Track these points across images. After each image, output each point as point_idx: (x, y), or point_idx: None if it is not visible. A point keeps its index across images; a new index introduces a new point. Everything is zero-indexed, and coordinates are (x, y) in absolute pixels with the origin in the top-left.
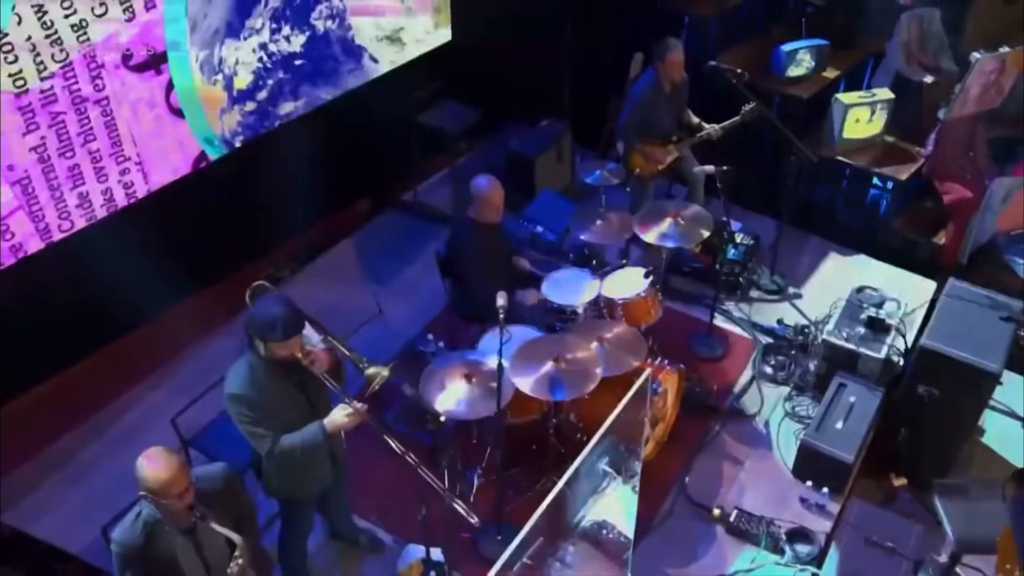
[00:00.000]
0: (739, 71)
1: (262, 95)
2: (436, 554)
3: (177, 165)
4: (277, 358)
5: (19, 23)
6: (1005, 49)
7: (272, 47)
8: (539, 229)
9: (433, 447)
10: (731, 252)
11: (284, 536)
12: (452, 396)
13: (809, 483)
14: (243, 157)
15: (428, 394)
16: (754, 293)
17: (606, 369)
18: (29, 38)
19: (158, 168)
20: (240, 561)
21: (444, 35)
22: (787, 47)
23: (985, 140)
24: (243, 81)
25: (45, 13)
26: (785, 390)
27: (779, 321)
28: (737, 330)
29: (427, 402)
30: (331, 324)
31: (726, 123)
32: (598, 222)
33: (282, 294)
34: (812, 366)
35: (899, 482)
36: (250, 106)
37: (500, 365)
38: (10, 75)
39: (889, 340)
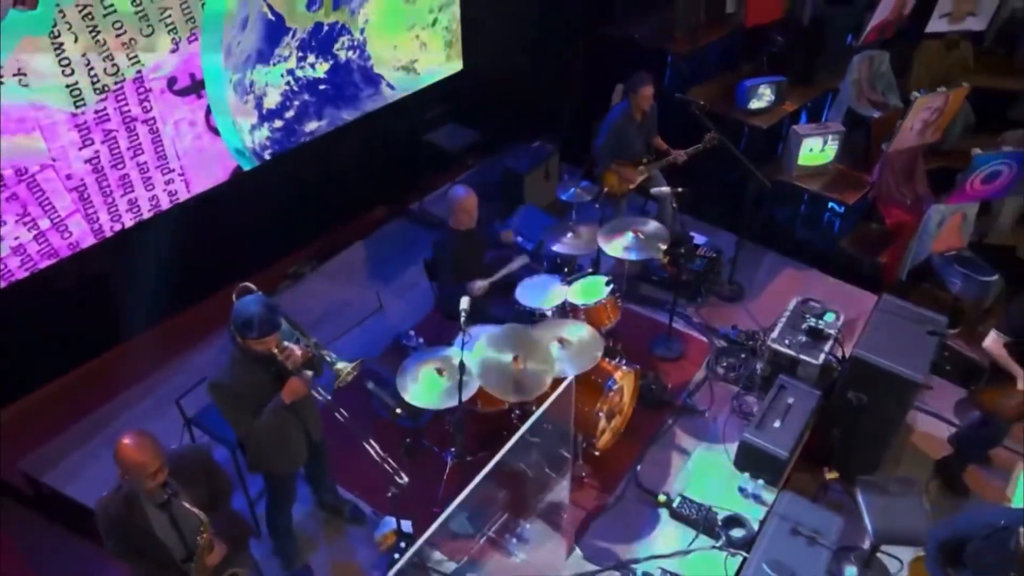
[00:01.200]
0: (701, 102)
1: (289, 114)
2: (407, 526)
3: (216, 176)
4: (254, 352)
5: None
6: (942, 89)
7: (299, 73)
8: (519, 239)
9: (414, 430)
10: (694, 263)
11: (270, 507)
12: (424, 388)
13: (748, 475)
14: (272, 169)
15: (404, 386)
16: (713, 300)
17: (566, 369)
18: (88, 63)
19: (199, 179)
20: (205, 535)
21: (455, 66)
22: (749, 83)
23: (924, 171)
24: (272, 101)
25: (105, 47)
26: (734, 389)
27: (733, 327)
28: (695, 334)
29: (386, 397)
30: (339, 317)
31: (690, 149)
32: (568, 235)
33: (262, 295)
34: (759, 368)
35: (831, 476)
36: (278, 124)
37: (462, 363)
38: (71, 96)
39: (827, 348)
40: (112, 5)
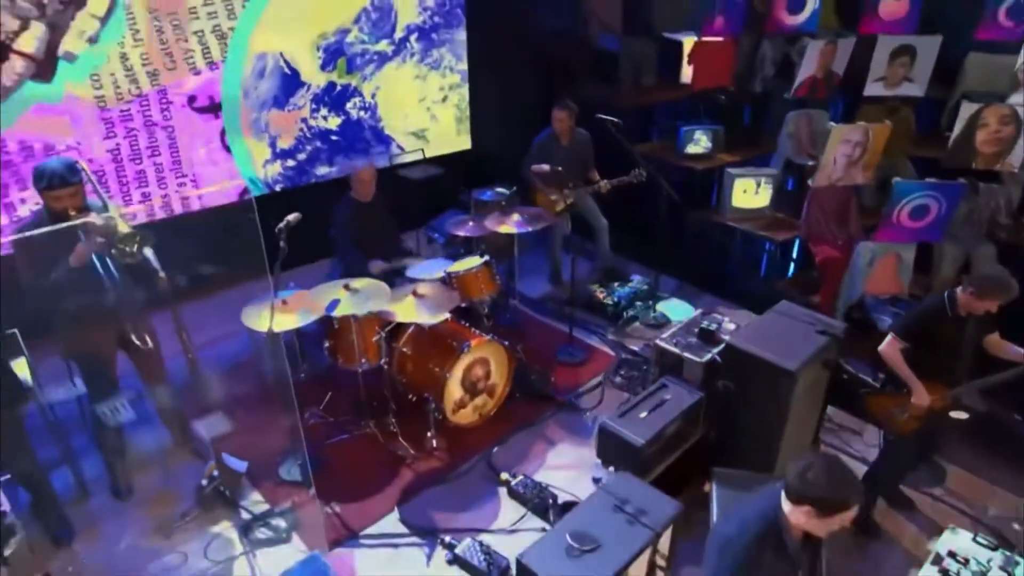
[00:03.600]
0: (616, 121)
1: (301, 156)
2: (240, 464)
3: (228, 194)
4: (52, 209)
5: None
6: (862, 123)
7: (312, 122)
8: (434, 235)
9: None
10: (621, 291)
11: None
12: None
13: (611, 468)
14: (279, 197)
15: None
16: (637, 328)
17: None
18: (112, 75)
19: (210, 192)
20: None
21: (464, 143)
22: (685, 128)
23: (858, 213)
24: (285, 143)
25: (127, 59)
26: (626, 396)
27: (646, 344)
28: (606, 349)
29: None
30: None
31: (615, 180)
32: (469, 223)
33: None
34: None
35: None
36: (290, 163)
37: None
38: (95, 96)
39: (716, 350)
40: (141, 39)
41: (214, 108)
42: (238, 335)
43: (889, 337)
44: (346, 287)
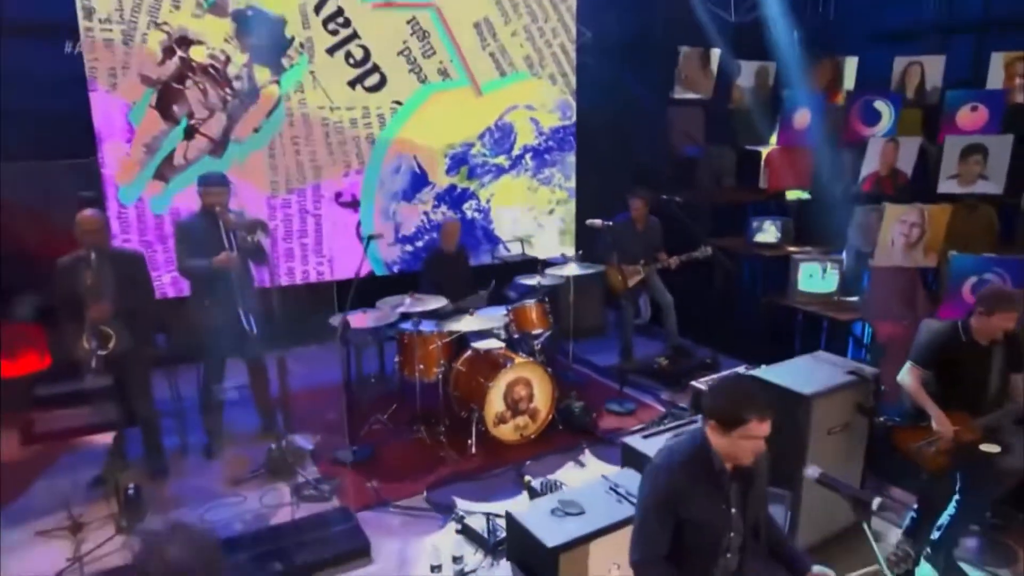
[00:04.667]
0: (677, 199)
1: (419, 243)
2: (307, 442)
3: (354, 270)
4: (205, 204)
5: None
6: (917, 204)
7: (432, 216)
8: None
9: None
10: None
11: (200, 385)
12: None
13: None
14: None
15: None
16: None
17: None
18: (287, 170)
19: (342, 268)
20: None
21: (569, 251)
22: (755, 219)
23: (925, 292)
24: (407, 230)
25: (301, 167)
26: None
27: None
28: (657, 406)
29: None
30: None
31: (683, 256)
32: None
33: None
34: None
35: None
36: (409, 248)
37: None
38: (269, 184)
39: None
40: (312, 141)
41: (354, 204)
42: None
43: (907, 365)
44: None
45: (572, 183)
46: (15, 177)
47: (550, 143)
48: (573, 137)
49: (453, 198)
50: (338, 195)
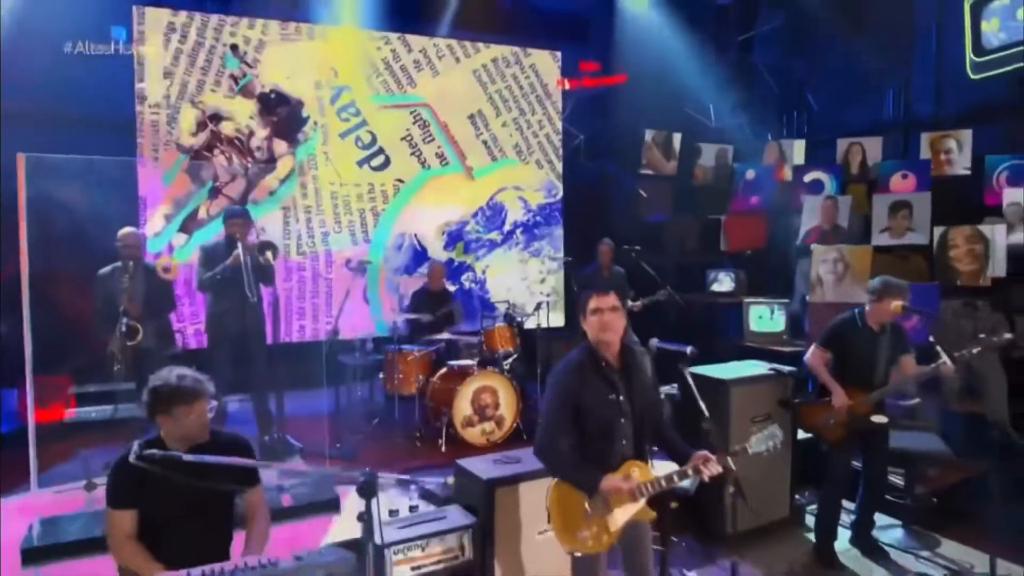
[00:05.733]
0: (637, 248)
1: None
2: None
3: (358, 329)
4: (229, 232)
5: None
6: (839, 245)
7: None
8: None
9: None
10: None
11: None
12: None
13: None
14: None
15: None
16: None
17: None
18: (299, 235)
19: (346, 327)
20: None
21: (559, 320)
22: (712, 271)
23: None
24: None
25: (312, 232)
26: None
27: None
28: None
29: None
30: None
31: (645, 299)
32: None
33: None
34: None
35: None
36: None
37: None
38: (283, 247)
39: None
40: (322, 211)
41: (362, 269)
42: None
43: (812, 347)
44: None
45: (561, 254)
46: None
47: (538, 219)
48: (559, 212)
49: (451, 271)
50: (348, 260)
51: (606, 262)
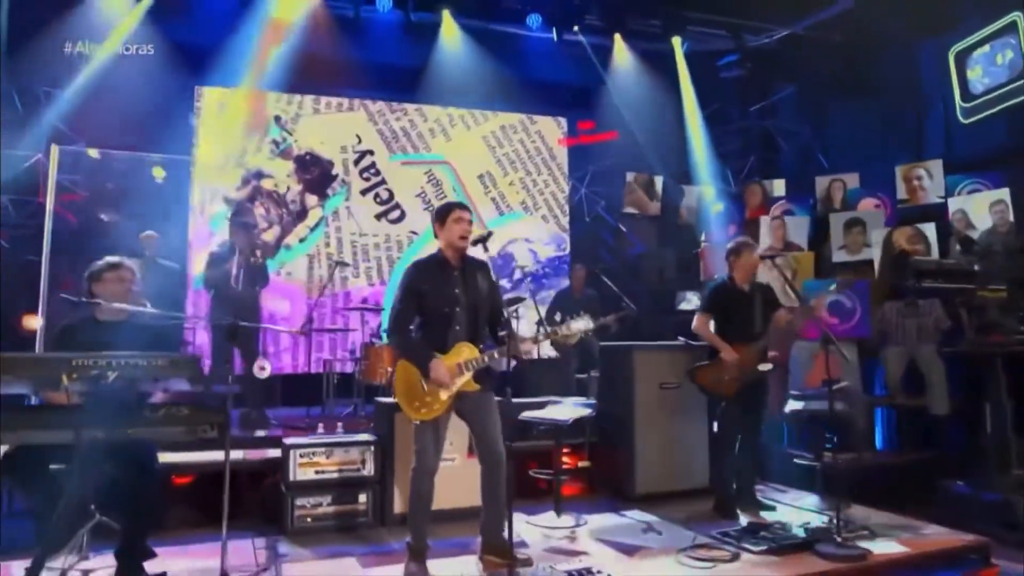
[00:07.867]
0: (604, 267)
1: None
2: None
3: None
4: (234, 240)
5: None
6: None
7: None
8: None
9: None
10: None
11: None
12: None
13: None
14: None
15: None
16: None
17: None
18: (320, 279)
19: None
20: None
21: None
22: (680, 292)
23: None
24: None
25: (333, 276)
26: None
27: None
28: None
29: None
30: None
31: (610, 317)
32: None
33: None
34: None
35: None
36: None
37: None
38: (306, 287)
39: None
40: (343, 255)
41: (378, 309)
42: None
43: (697, 314)
44: None
45: None
46: None
47: (546, 269)
48: (567, 265)
49: None
50: (364, 300)
51: (579, 285)
